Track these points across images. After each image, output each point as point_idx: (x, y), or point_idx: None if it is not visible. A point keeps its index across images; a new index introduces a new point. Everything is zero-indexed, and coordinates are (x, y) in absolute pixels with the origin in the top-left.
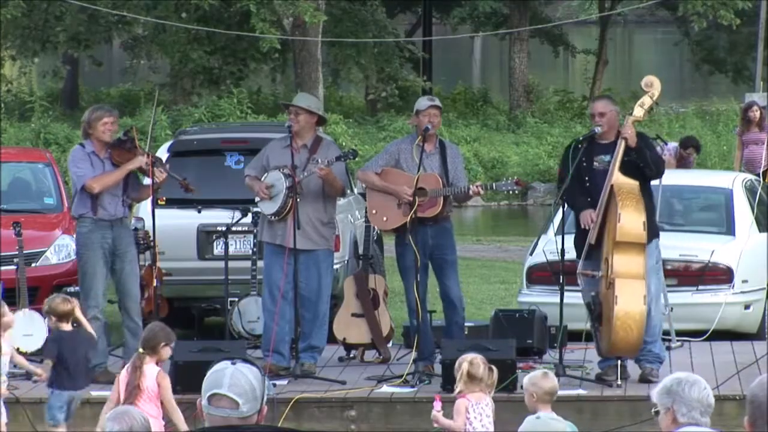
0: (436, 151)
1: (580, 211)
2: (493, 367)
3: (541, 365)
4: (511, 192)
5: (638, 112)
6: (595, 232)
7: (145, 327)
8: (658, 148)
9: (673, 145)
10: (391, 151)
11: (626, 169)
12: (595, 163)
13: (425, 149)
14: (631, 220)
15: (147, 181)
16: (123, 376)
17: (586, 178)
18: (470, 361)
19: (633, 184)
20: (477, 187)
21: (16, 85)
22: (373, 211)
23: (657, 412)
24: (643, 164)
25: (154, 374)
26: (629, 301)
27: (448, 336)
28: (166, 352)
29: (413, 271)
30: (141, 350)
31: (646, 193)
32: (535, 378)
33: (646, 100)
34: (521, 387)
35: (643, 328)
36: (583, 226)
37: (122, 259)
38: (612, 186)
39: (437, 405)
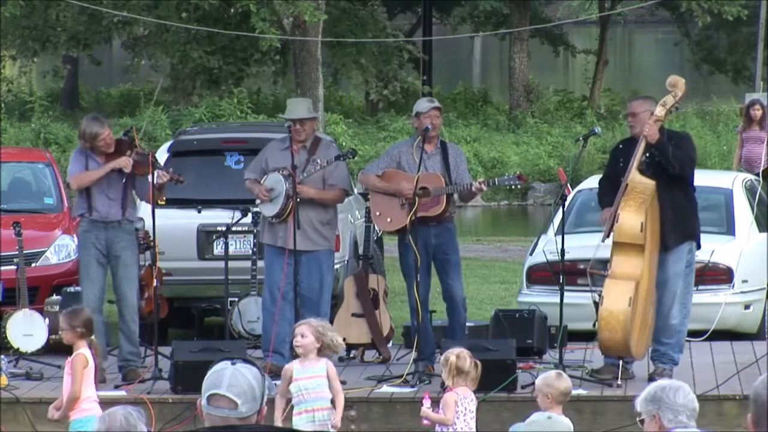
0: (437, 152)
1: (603, 208)
2: (478, 362)
3: (541, 365)
4: (513, 186)
5: (660, 111)
6: (606, 231)
7: (78, 312)
8: None
9: None
10: (392, 154)
11: (655, 169)
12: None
13: (426, 150)
14: (628, 220)
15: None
16: (87, 367)
17: (622, 179)
18: (457, 355)
19: (647, 183)
20: (480, 183)
21: (16, 85)
22: (377, 213)
23: (642, 421)
24: (664, 161)
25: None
26: (613, 301)
27: (451, 336)
28: None
29: (414, 271)
30: (93, 337)
31: (682, 193)
32: (550, 379)
33: (669, 100)
34: (521, 387)
35: (627, 329)
36: (600, 223)
37: (116, 262)
38: (627, 185)
39: (426, 402)
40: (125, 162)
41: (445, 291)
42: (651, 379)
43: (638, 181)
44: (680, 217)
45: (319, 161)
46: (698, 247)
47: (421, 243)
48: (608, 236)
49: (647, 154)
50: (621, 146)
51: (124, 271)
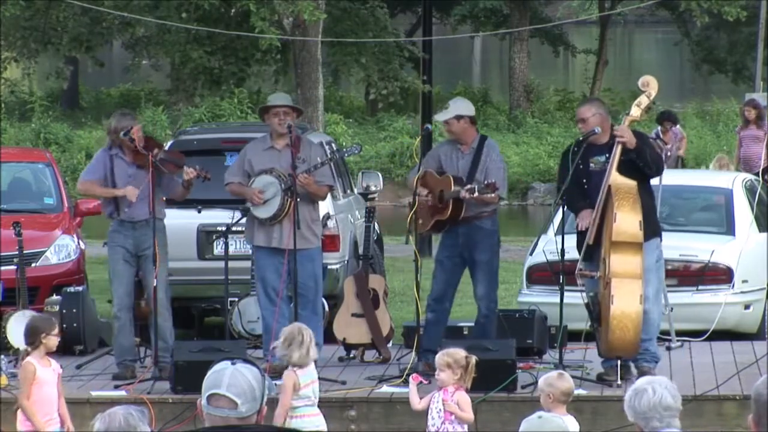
0: (470, 152)
1: (579, 212)
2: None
3: (541, 365)
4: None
5: (635, 111)
6: (593, 232)
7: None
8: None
9: (677, 128)
10: (434, 155)
11: (625, 168)
12: (591, 165)
13: (462, 150)
14: (626, 220)
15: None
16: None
17: (584, 180)
18: (469, 356)
19: (630, 184)
20: (465, 191)
21: (18, 87)
22: (414, 215)
23: None
24: (642, 164)
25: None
26: (625, 301)
27: (476, 336)
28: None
29: (436, 268)
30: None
31: (646, 192)
32: (551, 379)
33: (643, 100)
34: (521, 387)
35: (640, 328)
36: (580, 228)
37: (145, 260)
38: (609, 186)
39: (416, 380)
40: (131, 192)
41: (473, 291)
42: None
43: (621, 182)
44: (646, 215)
45: (319, 158)
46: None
47: (449, 242)
48: (594, 238)
49: (607, 155)
50: (576, 149)
51: (150, 268)
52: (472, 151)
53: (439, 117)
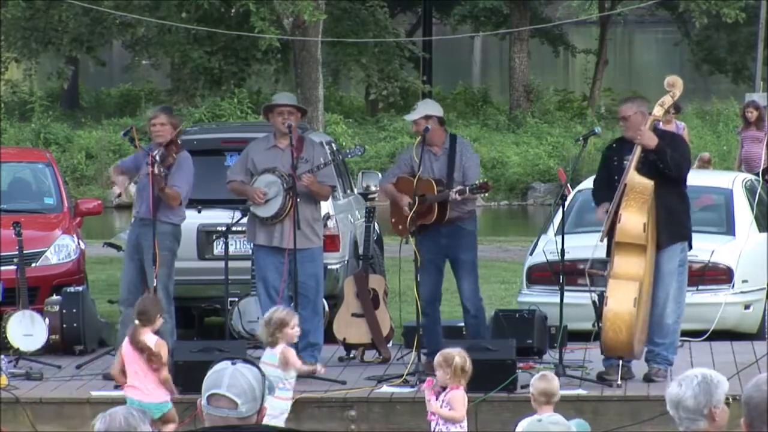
0: (443, 152)
1: (599, 204)
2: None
3: (541, 365)
4: (483, 195)
5: (658, 111)
6: (605, 231)
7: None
8: None
9: (681, 123)
10: (404, 159)
11: (649, 168)
12: (624, 163)
13: (434, 152)
14: (631, 221)
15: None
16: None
17: (616, 177)
18: (459, 355)
19: (646, 184)
20: (455, 193)
21: (19, 87)
22: (392, 220)
23: None
24: (662, 165)
25: (153, 342)
26: (618, 302)
27: (472, 337)
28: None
29: (421, 271)
30: (137, 321)
31: (676, 194)
32: (534, 378)
33: (667, 100)
34: (521, 387)
35: (633, 329)
36: (596, 219)
37: (144, 259)
38: (625, 185)
39: (430, 383)
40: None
41: (458, 291)
42: (646, 380)
43: (637, 182)
44: (672, 217)
45: (322, 159)
46: (690, 247)
47: (431, 243)
48: (606, 236)
49: (642, 154)
50: (614, 145)
51: (149, 270)
52: (446, 152)
53: (408, 117)
